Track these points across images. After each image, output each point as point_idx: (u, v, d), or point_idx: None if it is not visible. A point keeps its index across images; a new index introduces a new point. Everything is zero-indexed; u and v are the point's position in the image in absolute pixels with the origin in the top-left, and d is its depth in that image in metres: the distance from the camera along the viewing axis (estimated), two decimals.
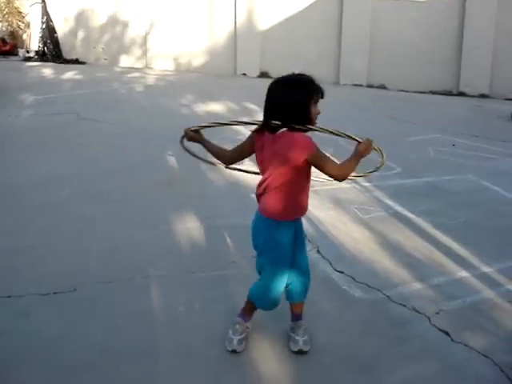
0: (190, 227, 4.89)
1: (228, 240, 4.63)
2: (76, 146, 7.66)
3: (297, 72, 2.95)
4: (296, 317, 3.24)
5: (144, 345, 3.17)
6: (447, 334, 3.35)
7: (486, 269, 4.26)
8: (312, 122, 2.87)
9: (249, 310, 3.18)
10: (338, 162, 2.89)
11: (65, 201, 5.54)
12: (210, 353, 3.10)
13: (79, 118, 9.58)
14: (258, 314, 3.23)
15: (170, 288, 3.82)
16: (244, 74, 16.75)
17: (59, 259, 4.21)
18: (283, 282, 3.05)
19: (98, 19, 18.87)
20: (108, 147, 7.69)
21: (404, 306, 3.63)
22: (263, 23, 16.46)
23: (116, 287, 3.81)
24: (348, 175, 2.92)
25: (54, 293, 3.69)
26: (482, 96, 14.09)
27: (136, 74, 16.30)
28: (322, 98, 2.91)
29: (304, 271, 3.15)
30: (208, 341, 3.21)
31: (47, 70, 16.56)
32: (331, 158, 2.90)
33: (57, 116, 9.68)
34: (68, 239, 4.59)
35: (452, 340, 3.30)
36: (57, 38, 19.34)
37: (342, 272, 4.08)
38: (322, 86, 2.90)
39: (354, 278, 3.99)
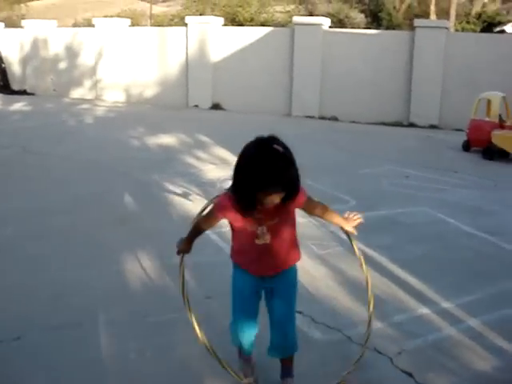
0: (143, 267, 4.70)
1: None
2: (21, 181, 7.40)
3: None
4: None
5: None
6: (410, 375, 3.25)
7: (445, 304, 4.19)
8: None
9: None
10: None
11: (9, 239, 5.28)
12: None
13: (25, 151, 9.31)
14: None
15: (120, 334, 3.62)
16: (196, 106, 16.66)
17: (2, 304, 3.95)
18: None
19: (47, 50, 18.62)
20: (55, 181, 7.44)
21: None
22: (215, 55, 16.47)
23: (63, 334, 3.58)
24: None
25: None
26: (432, 127, 14.33)
27: (86, 106, 16.08)
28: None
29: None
30: None
31: None
32: None
33: (2, 149, 9.37)
34: (12, 281, 4.35)
35: (415, 381, 3.20)
36: (4, 68, 19.01)
37: (300, 312, 3.94)
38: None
39: (312, 318, 3.87)
